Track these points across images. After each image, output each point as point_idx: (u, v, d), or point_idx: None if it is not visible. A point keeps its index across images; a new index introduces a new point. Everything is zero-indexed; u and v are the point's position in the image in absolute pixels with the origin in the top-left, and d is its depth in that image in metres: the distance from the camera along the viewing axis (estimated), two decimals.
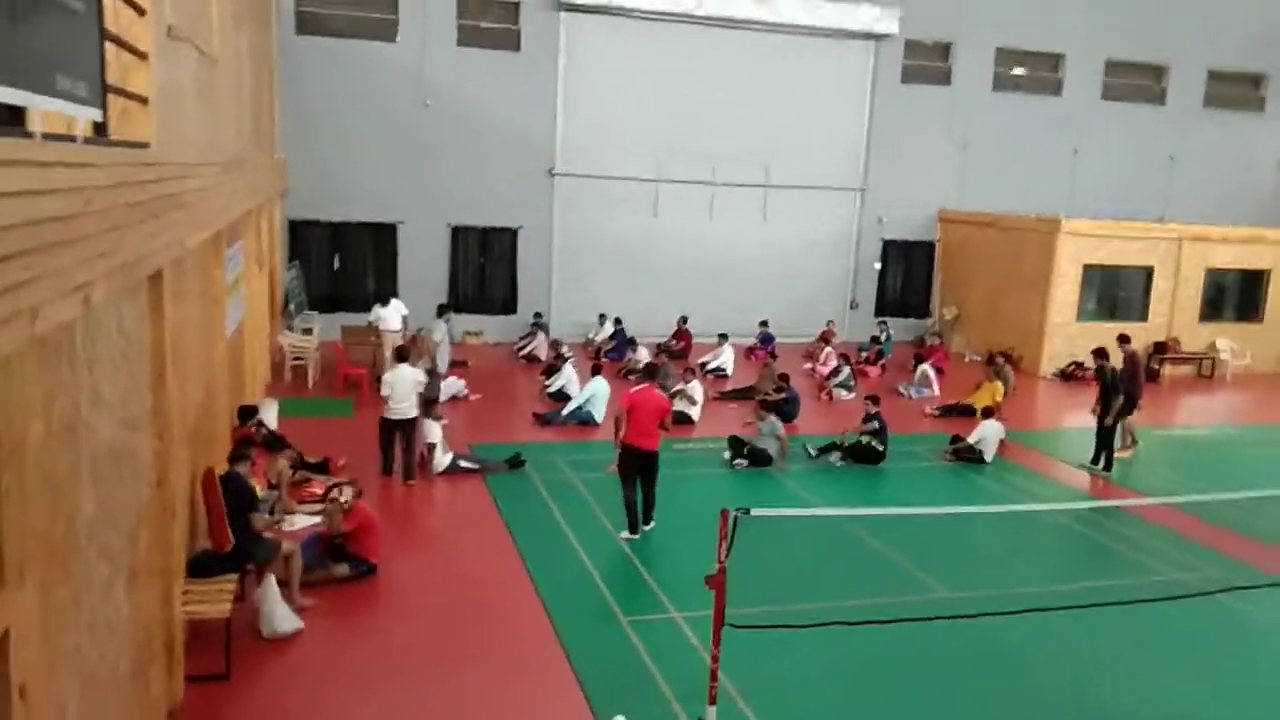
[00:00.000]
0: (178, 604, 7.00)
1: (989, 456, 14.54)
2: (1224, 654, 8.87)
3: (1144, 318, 22.69)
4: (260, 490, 10.51)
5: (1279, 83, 27.77)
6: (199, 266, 8.69)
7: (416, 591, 9.21)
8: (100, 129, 4.77)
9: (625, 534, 10.70)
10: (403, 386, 12.27)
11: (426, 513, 11.90)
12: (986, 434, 14.58)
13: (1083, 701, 7.82)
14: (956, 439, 15.03)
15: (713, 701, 6.71)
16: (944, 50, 25.06)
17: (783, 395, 16.14)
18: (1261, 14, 26.98)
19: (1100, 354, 15.10)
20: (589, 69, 22.31)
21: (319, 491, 11.26)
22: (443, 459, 12.64)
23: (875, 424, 14.28)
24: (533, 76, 21.89)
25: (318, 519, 10.08)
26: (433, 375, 15.05)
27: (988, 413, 15.00)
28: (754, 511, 6.66)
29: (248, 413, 11.70)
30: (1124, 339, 15.56)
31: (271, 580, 8.10)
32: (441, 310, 17.98)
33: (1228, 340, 22.89)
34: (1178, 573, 10.72)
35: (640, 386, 10.82)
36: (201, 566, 7.87)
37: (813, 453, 14.22)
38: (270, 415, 13.57)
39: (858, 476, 13.77)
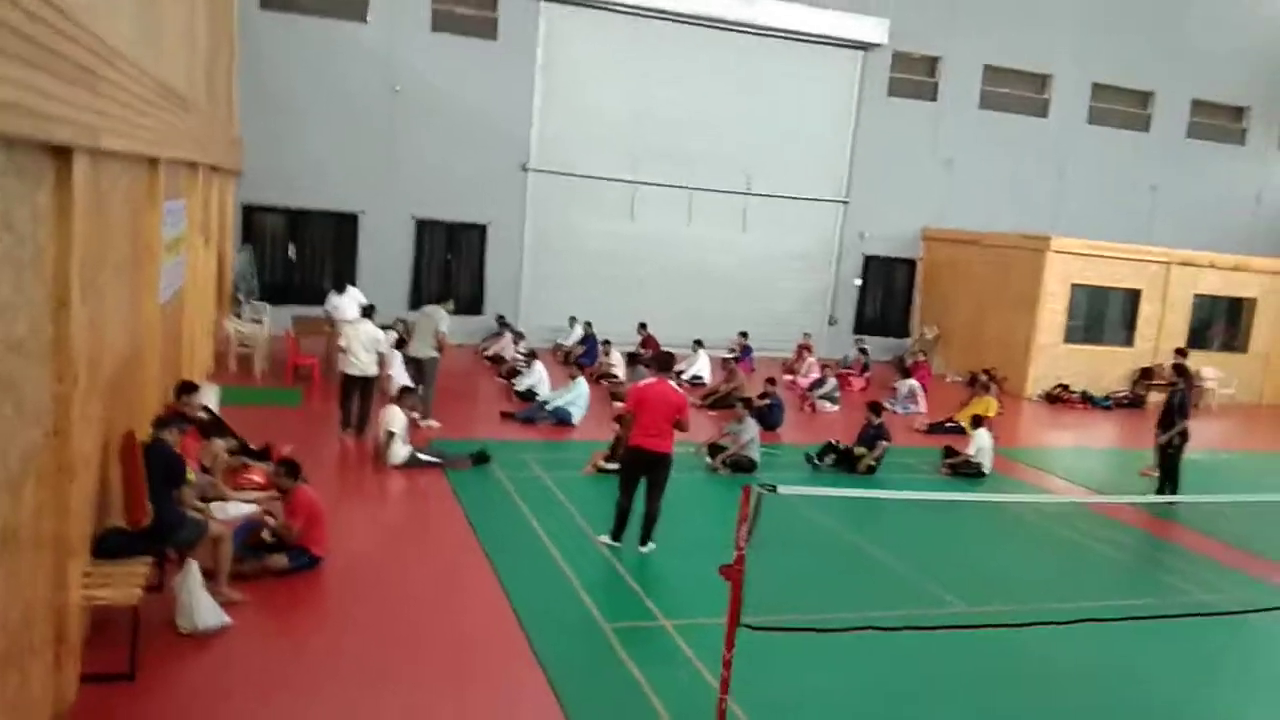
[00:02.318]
0: (75, 586, 5.76)
1: (987, 468, 13.62)
2: (1259, 671, 7.95)
3: (1130, 342, 22.10)
4: (191, 474, 9.28)
5: (1260, 115, 27.59)
6: (127, 198, 7.49)
7: (366, 589, 7.98)
8: None
9: (606, 538, 9.50)
10: (358, 341, 11.94)
11: (381, 505, 10.67)
12: (984, 444, 13.68)
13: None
14: (950, 451, 14.13)
15: (722, 718, 5.58)
16: (931, 65, 24.49)
17: (767, 401, 15.13)
18: (1245, 46, 26.80)
19: (1180, 369, 14.19)
20: (568, 62, 21.37)
21: (259, 480, 10.00)
22: (400, 450, 11.43)
23: (884, 441, 13.30)
24: (509, 67, 20.89)
25: (255, 508, 8.80)
26: (424, 363, 13.72)
27: (978, 422, 14.09)
28: (781, 489, 5.57)
29: (187, 388, 10.44)
30: (1181, 353, 14.56)
31: (194, 567, 6.85)
32: (443, 297, 15.86)
33: (1213, 369, 22.32)
34: (1203, 591, 9.82)
35: (650, 380, 9.50)
36: (111, 546, 6.61)
37: (816, 461, 13.21)
38: (210, 400, 12.29)
39: (852, 486, 12.74)
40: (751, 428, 12.76)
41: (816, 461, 13.25)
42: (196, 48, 11.78)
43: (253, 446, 10.79)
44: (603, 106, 21.70)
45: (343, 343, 12.44)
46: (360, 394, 12.56)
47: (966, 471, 13.50)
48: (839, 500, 11.95)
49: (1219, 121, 27.43)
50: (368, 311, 13.25)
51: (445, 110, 20.53)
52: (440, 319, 13.42)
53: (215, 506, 8.52)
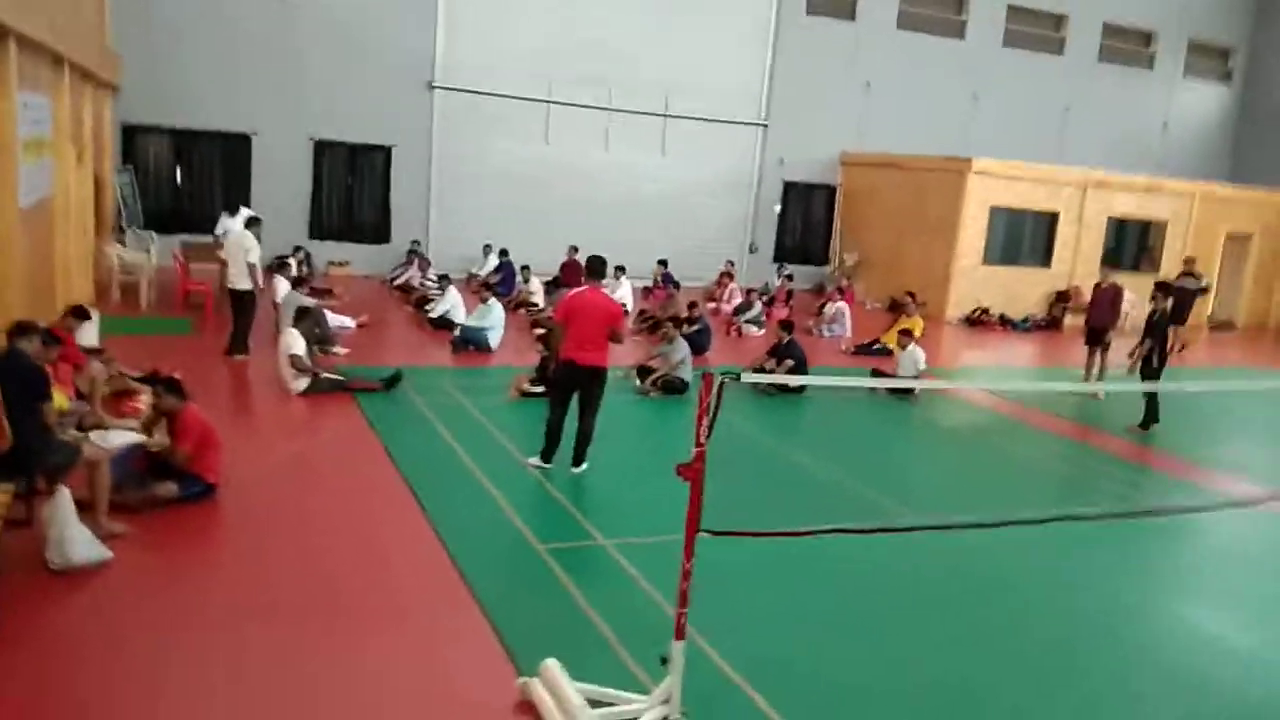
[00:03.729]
0: None
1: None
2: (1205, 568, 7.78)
3: (1047, 264, 22.16)
4: (66, 401, 8.25)
5: (1167, 41, 27.79)
6: None
7: (269, 519, 7.15)
8: None
9: (535, 460, 8.77)
10: (227, 251, 11.58)
11: (283, 432, 9.74)
12: (917, 358, 13.37)
13: (1066, 614, 6.56)
14: (877, 373, 13.76)
15: (680, 635, 4.97)
16: None
17: (696, 326, 14.52)
18: None
19: (1164, 289, 12.98)
20: None
21: (141, 407, 9.00)
22: (304, 375, 10.48)
23: (790, 359, 12.78)
24: None
25: (139, 436, 7.84)
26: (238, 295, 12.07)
27: (906, 339, 13.75)
28: (744, 377, 4.95)
29: (78, 313, 9.36)
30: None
31: (66, 494, 5.94)
32: (250, 222, 14.36)
33: (1129, 292, 22.52)
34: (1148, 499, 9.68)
35: (582, 288, 8.69)
36: None
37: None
38: (89, 332, 11.13)
39: (787, 406, 12.29)
40: (683, 348, 12.16)
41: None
42: None
43: (136, 373, 9.75)
44: (513, 21, 20.49)
45: (221, 254, 11.83)
46: (233, 310, 11.81)
47: (897, 390, 13.14)
48: (771, 415, 11.52)
49: (1129, 46, 27.54)
50: (249, 223, 12.16)
51: (343, 25, 19.14)
52: (249, 248, 11.66)
53: (94, 436, 7.55)
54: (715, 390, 4.80)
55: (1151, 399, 12.32)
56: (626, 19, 21.35)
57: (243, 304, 11.78)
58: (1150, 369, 12.37)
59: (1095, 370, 14.58)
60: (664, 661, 4.86)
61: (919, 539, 7.14)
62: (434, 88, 20.10)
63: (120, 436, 7.91)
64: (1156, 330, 12.39)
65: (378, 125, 19.76)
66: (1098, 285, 14.78)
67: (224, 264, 12.04)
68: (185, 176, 18.84)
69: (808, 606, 6.45)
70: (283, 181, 19.18)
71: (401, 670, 5.22)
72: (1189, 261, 18.71)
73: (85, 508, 6.22)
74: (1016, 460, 11.08)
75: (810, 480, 9.36)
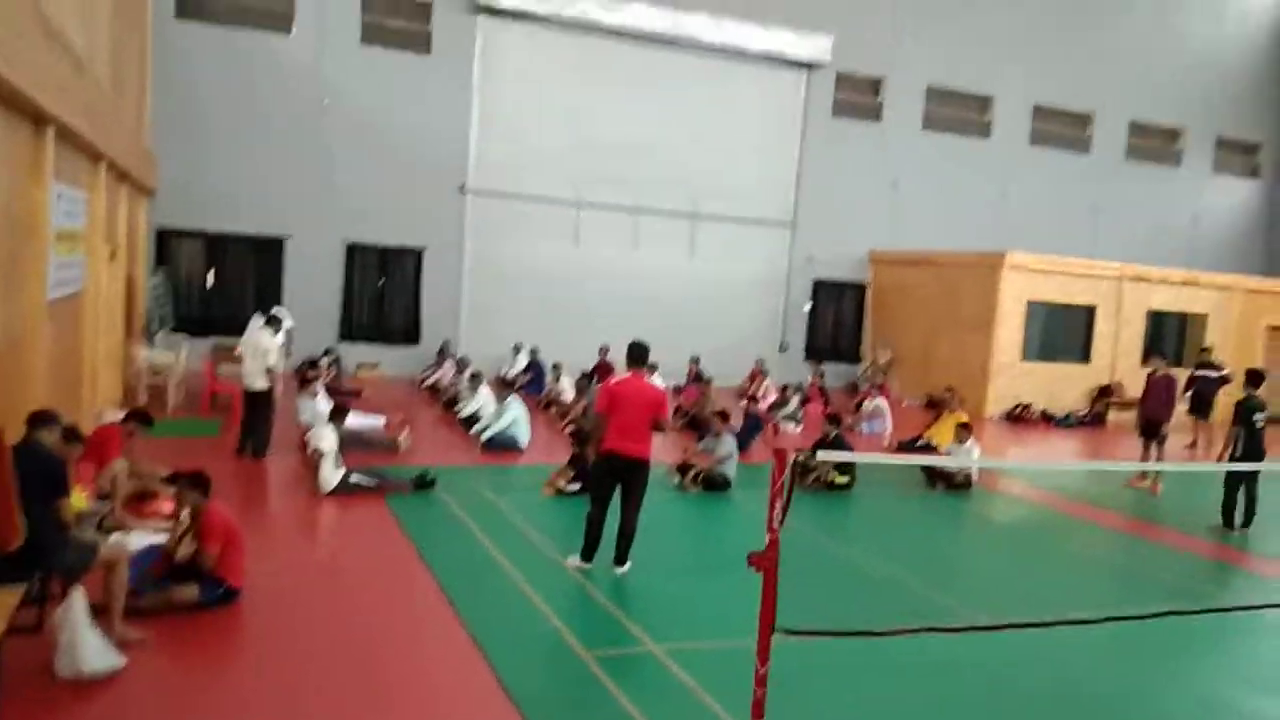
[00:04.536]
0: None
1: (976, 477, 12.76)
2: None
3: (1086, 359, 21.67)
4: (84, 501, 7.89)
5: (1194, 138, 27.83)
6: (7, 156, 6.22)
7: (295, 625, 6.66)
8: None
9: (575, 560, 8.28)
10: (245, 349, 11.39)
11: (311, 532, 9.32)
12: (974, 453, 12.82)
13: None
14: (932, 470, 13.19)
15: None
16: (875, 85, 24.13)
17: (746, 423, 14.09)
18: (1180, 69, 27.09)
19: (1255, 379, 11.66)
20: (506, 79, 20.43)
21: (166, 510, 8.60)
22: (333, 474, 10.08)
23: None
24: (444, 83, 19.87)
25: (161, 538, 7.41)
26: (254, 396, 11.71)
27: (966, 429, 13.23)
28: (820, 454, 4.51)
29: (142, 419, 9.03)
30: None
31: (79, 596, 5.51)
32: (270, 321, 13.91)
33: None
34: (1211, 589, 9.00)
35: (624, 376, 8.26)
36: None
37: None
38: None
39: (836, 503, 11.74)
40: (729, 443, 11.72)
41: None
42: (96, 20, 10.51)
43: (160, 472, 9.37)
44: (543, 126, 20.76)
45: (236, 352, 11.83)
46: (249, 410, 11.54)
47: (957, 484, 12.58)
48: (821, 512, 10.96)
49: (1156, 143, 27.58)
50: (268, 321, 11.94)
51: (377, 128, 19.40)
52: (268, 349, 11.40)
53: (114, 539, 7.14)
54: (790, 470, 4.33)
55: (1252, 494, 11.44)
56: (653, 121, 21.56)
57: (257, 404, 11.48)
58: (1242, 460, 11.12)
59: (1153, 461, 13.94)
60: None
61: (1003, 639, 6.54)
62: (465, 191, 20.22)
63: (141, 540, 7.51)
64: (1243, 420, 11.21)
65: (410, 228, 19.83)
66: (1150, 375, 14.26)
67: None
68: (218, 279, 18.86)
69: (885, 713, 5.84)
70: (315, 284, 19.18)
71: None
72: (1205, 351, 17.59)
73: (99, 612, 5.78)
74: (1080, 557, 10.44)
75: (868, 580, 8.77)
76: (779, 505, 4.36)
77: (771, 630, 4.38)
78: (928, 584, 8.59)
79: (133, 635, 5.89)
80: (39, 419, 6.03)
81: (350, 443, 11.41)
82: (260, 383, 11.35)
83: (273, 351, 11.39)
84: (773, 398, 18.00)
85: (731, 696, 5.65)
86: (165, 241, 18.42)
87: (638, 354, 8.33)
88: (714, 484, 11.41)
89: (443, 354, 19.02)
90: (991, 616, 7.34)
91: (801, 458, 4.49)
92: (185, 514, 6.84)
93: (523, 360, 19.17)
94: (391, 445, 12.45)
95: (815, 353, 23.67)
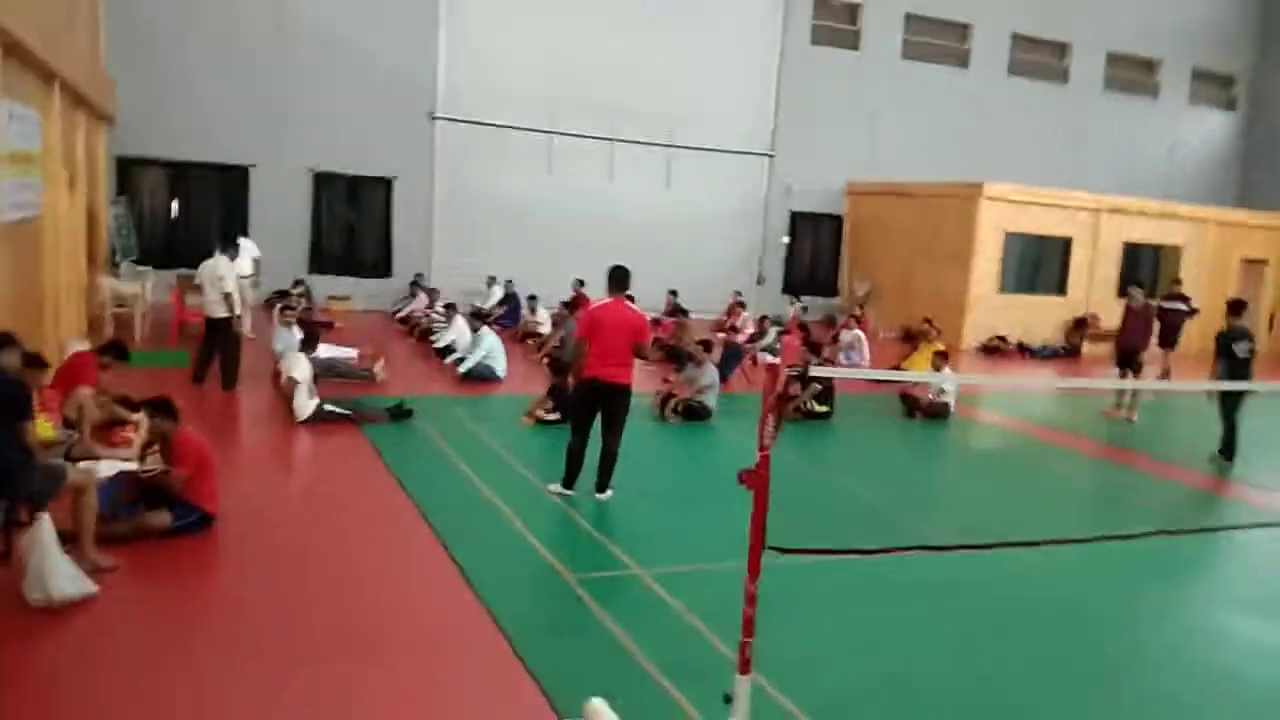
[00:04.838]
0: None
1: (953, 406, 12.75)
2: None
3: (1062, 291, 21.70)
4: (51, 430, 7.65)
5: (1171, 70, 27.63)
6: None
7: (271, 552, 6.51)
8: None
9: (556, 486, 8.16)
10: (204, 276, 11.17)
11: (286, 461, 9.16)
12: (952, 382, 12.80)
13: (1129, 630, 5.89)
14: (909, 398, 13.17)
15: (745, 669, 4.34)
16: (853, 11, 23.67)
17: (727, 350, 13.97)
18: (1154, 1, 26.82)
19: (1236, 308, 11.45)
20: (476, 2, 19.77)
21: (133, 437, 8.38)
22: (307, 403, 9.88)
23: (818, 382, 12.17)
24: (411, 6, 19.21)
25: (131, 465, 7.22)
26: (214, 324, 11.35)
27: (944, 357, 13.19)
28: (813, 369, 4.38)
29: (118, 353, 8.79)
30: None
31: (46, 522, 5.32)
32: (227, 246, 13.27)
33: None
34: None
35: (605, 301, 8.02)
36: None
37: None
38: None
39: (816, 433, 11.68)
40: (711, 373, 11.62)
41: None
42: None
43: (127, 399, 9.13)
44: (514, 51, 20.18)
45: (196, 280, 11.58)
46: (209, 339, 11.27)
47: (934, 412, 12.57)
48: (805, 440, 10.92)
49: (1133, 75, 27.37)
50: (225, 249, 11.61)
51: (342, 54, 18.78)
52: (223, 275, 11.10)
53: (82, 467, 6.93)
54: (781, 384, 4.18)
55: (1231, 427, 11.11)
56: (630, 49, 21.03)
57: (219, 333, 11.17)
58: (1231, 394, 10.92)
59: (1128, 393, 13.99)
60: (728, 700, 4.21)
61: (991, 560, 6.53)
62: (435, 118, 19.71)
63: (112, 467, 7.30)
64: (1224, 350, 11.02)
65: (379, 157, 19.34)
66: (1128, 305, 14.23)
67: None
68: (182, 210, 18.36)
69: (877, 635, 5.81)
70: (282, 214, 18.71)
71: (429, 718, 4.58)
72: (1175, 283, 17.33)
73: (69, 540, 5.60)
74: (1062, 483, 10.49)
75: (858, 505, 8.73)
76: (770, 421, 4.20)
77: (762, 548, 4.26)
78: (911, 509, 8.59)
79: (104, 562, 5.72)
80: None
81: (325, 372, 11.19)
82: (219, 310, 11.05)
83: (228, 278, 11.08)
84: (751, 330, 17.88)
85: (719, 617, 5.60)
86: (126, 170, 17.86)
87: (619, 278, 8.14)
88: (695, 413, 11.32)
89: (415, 286, 18.70)
90: (979, 540, 7.33)
91: (795, 374, 4.33)
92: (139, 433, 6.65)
93: (498, 293, 18.89)
94: (367, 375, 12.23)
95: (793, 286, 23.52)
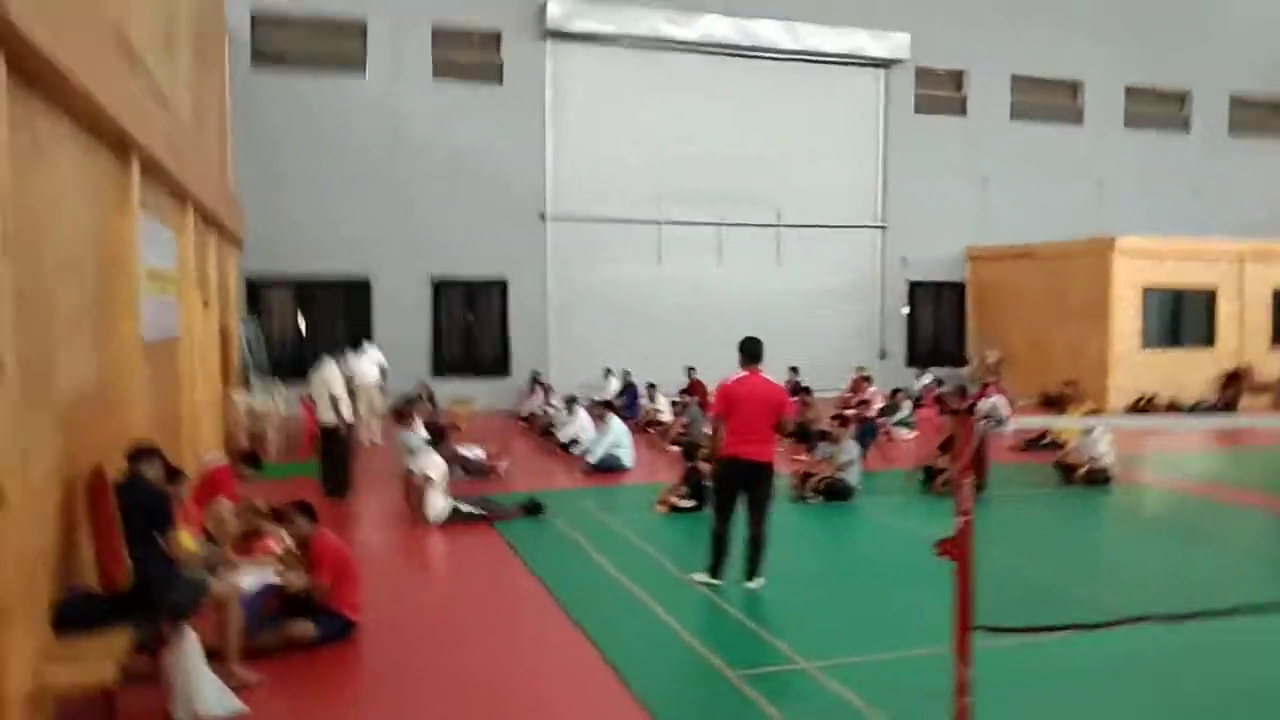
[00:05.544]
0: (19, 667, 4.06)
1: (1113, 471, 11.81)
2: None
3: (1211, 343, 20.33)
4: (191, 542, 7.57)
5: None
6: (84, 182, 5.99)
7: (417, 658, 6.19)
8: None
9: (702, 575, 7.68)
10: (313, 385, 11.17)
11: (423, 563, 8.95)
12: (1106, 444, 11.86)
13: None
14: (1062, 466, 12.27)
15: None
16: (957, 78, 23.29)
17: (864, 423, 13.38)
18: (1275, 37, 25.61)
19: None
20: (579, 102, 20.20)
21: (275, 548, 8.27)
22: (441, 504, 9.70)
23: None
24: (517, 111, 19.71)
25: (273, 576, 7.06)
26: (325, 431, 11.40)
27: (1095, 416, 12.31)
28: (1008, 426, 3.87)
29: (250, 460, 8.94)
30: None
31: (193, 637, 5.13)
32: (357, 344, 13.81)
33: None
34: None
35: (740, 375, 7.58)
36: (76, 614, 4.91)
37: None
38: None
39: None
40: (852, 449, 11.04)
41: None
42: (176, 56, 10.45)
43: (265, 507, 9.07)
44: (619, 146, 20.44)
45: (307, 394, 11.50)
46: (325, 448, 11.18)
47: (1093, 478, 11.65)
48: (931, 511, 10.15)
49: (1260, 116, 26.07)
50: (337, 357, 11.73)
51: (454, 162, 19.29)
52: (328, 380, 11.20)
53: (225, 579, 6.80)
54: (978, 441, 3.70)
55: None
56: (730, 132, 21.07)
57: (330, 440, 11.11)
58: None
59: None
60: None
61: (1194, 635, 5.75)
62: (546, 218, 19.98)
63: (252, 577, 7.15)
64: None
65: (492, 259, 19.63)
66: None
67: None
68: (309, 324, 18.88)
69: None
70: (403, 321, 19.07)
71: None
72: None
73: (213, 655, 5.40)
74: (1254, 546, 9.45)
75: (1024, 583, 7.94)
76: (967, 483, 3.72)
77: (970, 628, 3.73)
78: (1087, 583, 7.78)
79: (250, 677, 5.50)
80: (139, 453, 5.73)
81: (453, 468, 11.05)
82: (328, 415, 11.03)
83: (334, 382, 11.10)
84: (880, 404, 17.18)
85: (909, 715, 5.00)
86: (255, 290, 18.52)
87: (752, 349, 7.72)
88: (837, 492, 10.72)
89: (535, 383, 18.69)
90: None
91: (991, 428, 3.85)
92: (291, 545, 6.48)
93: (615, 384, 18.72)
94: (493, 472, 12.07)
95: (917, 358, 22.73)
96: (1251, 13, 25.35)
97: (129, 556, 5.23)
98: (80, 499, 5.34)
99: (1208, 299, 20.31)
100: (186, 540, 7.26)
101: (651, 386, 17.31)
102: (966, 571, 3.71)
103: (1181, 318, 20.37)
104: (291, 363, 18.52)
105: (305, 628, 6.13)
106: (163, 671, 5.19)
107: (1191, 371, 20.06)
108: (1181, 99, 25.29)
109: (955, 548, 3.78)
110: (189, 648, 5.05)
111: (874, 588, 7.67)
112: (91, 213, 6.34)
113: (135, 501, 5.34)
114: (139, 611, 5.18)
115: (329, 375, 11.22)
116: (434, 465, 9.79)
